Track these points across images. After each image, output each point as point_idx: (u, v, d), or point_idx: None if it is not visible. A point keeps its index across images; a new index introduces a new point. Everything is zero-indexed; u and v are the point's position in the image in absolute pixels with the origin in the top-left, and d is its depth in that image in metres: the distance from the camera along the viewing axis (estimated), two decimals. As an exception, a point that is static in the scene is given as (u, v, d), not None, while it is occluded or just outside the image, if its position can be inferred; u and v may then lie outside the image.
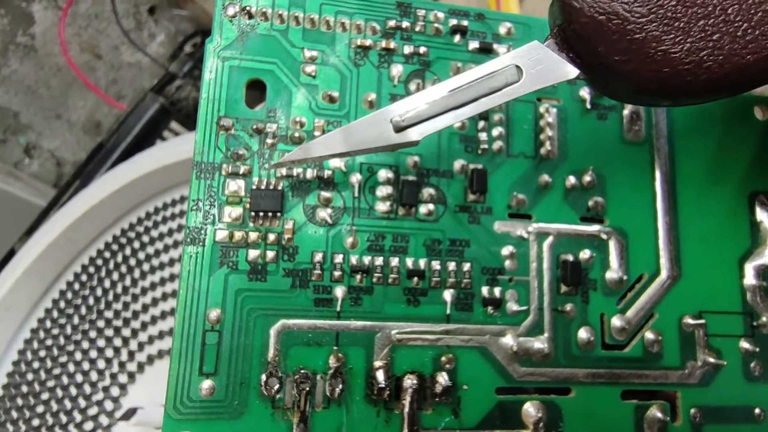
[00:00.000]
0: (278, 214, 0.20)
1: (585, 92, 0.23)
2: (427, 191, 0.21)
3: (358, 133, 0.18)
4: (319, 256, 0.20)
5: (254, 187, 0.20)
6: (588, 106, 0.23)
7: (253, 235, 0.19)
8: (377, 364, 0.19)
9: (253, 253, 0.19)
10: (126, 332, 0.39)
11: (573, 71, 0.17)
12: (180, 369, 0.18)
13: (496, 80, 0.18)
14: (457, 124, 0.21)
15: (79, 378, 0.39)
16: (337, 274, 0.20)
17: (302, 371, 0.19)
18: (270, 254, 0.19)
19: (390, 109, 0.18)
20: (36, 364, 0.40)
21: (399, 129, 0.17)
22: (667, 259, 0.22)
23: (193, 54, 0.61)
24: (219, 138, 0.20)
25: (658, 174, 0.23)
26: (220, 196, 0.19)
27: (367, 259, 0.20)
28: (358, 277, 0.20)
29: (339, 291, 0.19)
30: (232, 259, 0.19)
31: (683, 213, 0.22)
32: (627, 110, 0.23)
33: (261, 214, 0.19)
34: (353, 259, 0.20)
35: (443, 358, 0.20)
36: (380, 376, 0.19)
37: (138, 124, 0.53)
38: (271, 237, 0.19)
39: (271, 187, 0.20)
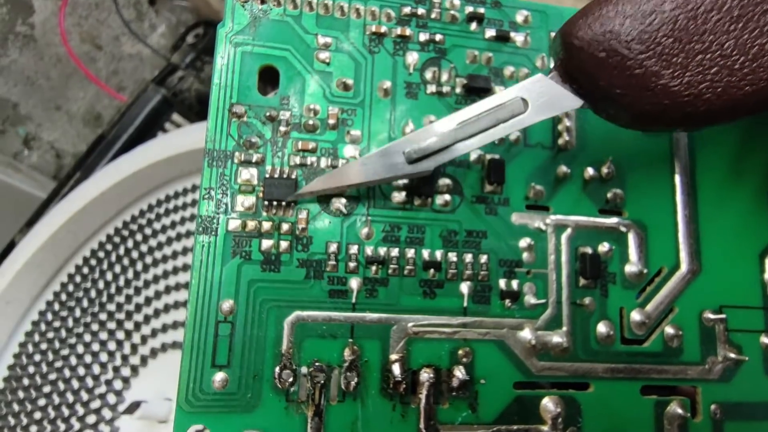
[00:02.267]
0: (292, 203, 0.19)
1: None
2: (444, 182, 0.20)
3: (372, 165, 0.18)
4: (333, 247, 0.19)
5: (267, 175, 0.19)
6: None
7: (266, 225, 0.19)
8: (393, 357, 0.19)
9: (266, 243, 0.19)
10: (129, 325, 0.39)
11: (577, 102, 0.18)
12: (192, 361, 0.18)
13: (503, 112, 0.18)
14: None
15: (81, 371, 0.38)
16: (352, 265, 0.19)
17: (317, 364, 0.18)
18: (284, 244, 0.19)
19: (402, 141, 0.19)
20: (38, 357, 0.39)
21: (412, 161, 0.18)
22: (686, 252, 0.21)
23: (194, 45, 0.60)
24: (231, 125, 0.19)
25: (677, 165, 0.22)
26: (232, 184, 0.19)
27: (382, 250, 0.19)
28: (374, 268, 0.19)
29: (354, 282, 0.19)
30: (245, 249, 0.19)
31: (703, 206, 0.22)
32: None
33: (274, 203, 0.19)
34: (368, 250, 0.19)
35: (460, 352, 0.19)
36: (396, 369, 0.18)
37: (139, 116, 0.52)
38: (285, 227, 0.19)
39: (285, 175, 0.19)
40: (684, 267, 0.21)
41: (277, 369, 0.18)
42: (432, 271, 0.20)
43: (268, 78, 0.20)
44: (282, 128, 0.20)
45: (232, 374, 0.18)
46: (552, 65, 0.19)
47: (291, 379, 0.18)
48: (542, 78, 0.18)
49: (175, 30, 0.68)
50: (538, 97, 0.18)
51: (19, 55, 0.64)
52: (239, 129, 0.19)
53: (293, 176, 0.19)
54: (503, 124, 0.18)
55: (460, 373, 0.19)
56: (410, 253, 0.20)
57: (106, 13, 0.68)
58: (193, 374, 0.18)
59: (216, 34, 0.20)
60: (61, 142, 0.69)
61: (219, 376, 0.18)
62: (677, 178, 0.22)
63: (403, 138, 0.19)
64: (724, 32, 0.16)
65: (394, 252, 0.20)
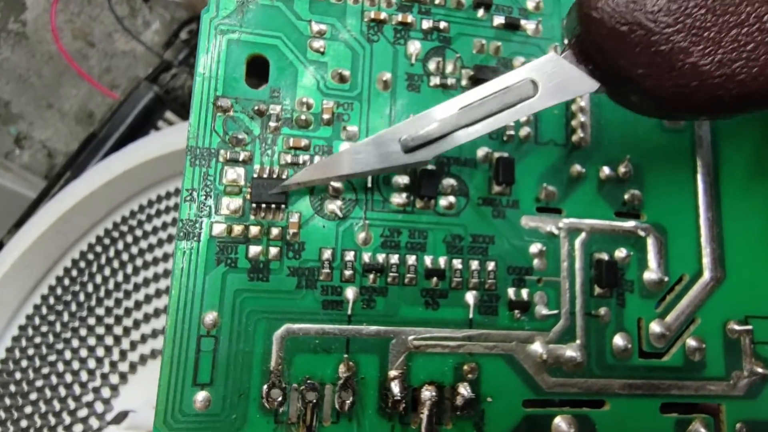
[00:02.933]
0: (282, 205, 0.18)
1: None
2: (448, 182, 0.19)
3: (365, 154, 0.17)
4: (327, 254, 0.18)
5: (255, 175, 0.18)
6: None
7: (254, 230, 0.18)
8: (392, 373, 0.17)
9: (254, 250, 0.17)
10: (118, 330, 0.38)
11: (592, 84, 0.16)
12: (172, 379, 0.16)
13: (510, 96, 0.17)
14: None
15: (68, 378, 0.37)
16: (347, 273, 0.18)
17: (308, 381, 0.17)
18: (273, 251, 0.18)
19: (398, 128, 0.17)
20: (24, 363, 0.38)
21: (408, 150, 0.17)
22: (710, 258, 0.20)
23: (188, 41, 0.59)
24: (216, 120, 0.18)
25: (699, 164, 0.21)
26: (217, 185, 0.18)
27: (381, 257, 0.18)
28: (371, 276, 0.18)
29: (350, 292, 0.18)
30: (230, 256, 0.17)
31: (727, 208, 0.21)
32: (665, 95, 0.21)
33: (263, 205, 0.18)
34: (366, 257, 0.18)
35: (465, 367, 0.18)
36: (395, 387, 0.17)
37: (131, 114, 0.52)
38: (275, 231, 0.18)
39: (275, 175, 0.18)
40: (707, 274, 0.20)
41: (265, 387, 0.17)
42: (435, 279, 0.18)
43: (257, 69, 0.19)
44: (272, 123, 0.18)
45: (216, 393, 0.16)
46: (566, 43, 0.17)
47: (280, 399, 0.17)
48: (554, 57, 0.17)
49: (169, 26, 0.67)
50: (549, 78, 0.17)
51: (11, 52, 0.63)
52: (225, 124, 0.18)
53: (284, 176, 0.18)
54: (510, 109, 0.17)
55: (465, 390, 0.17)
56: (411, 259, 0.18)
57: (99, 9, 0.67)
58: (173, 393, 0.16)
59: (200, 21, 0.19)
60: (53, 141, 0.67)
61: (201, 396, 0.16)
62: (699, 178, 0.21)
63: (399, 124, 0.17)
64: (764, 1, 0.15)
65: (394, 259, 0.18)
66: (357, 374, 0.17)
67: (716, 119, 0.17)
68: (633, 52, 0.15)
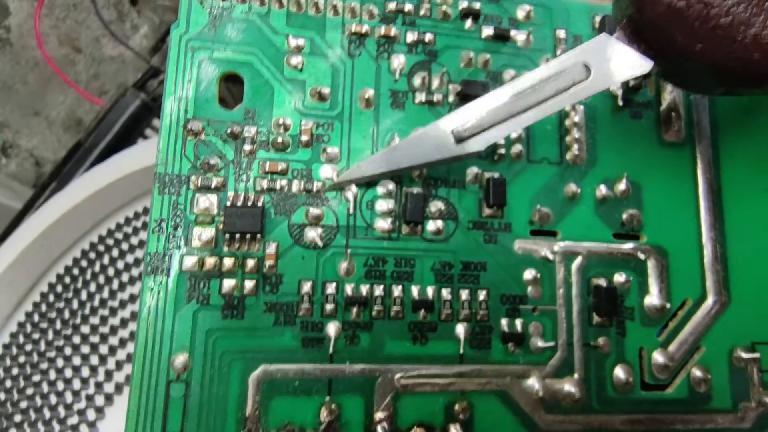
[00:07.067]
0: (258, 235, 0.17)
1: (616, 87, 0.20)
2: (436, 205, 0.18)
3: (416, 147, 0.17)
4: (307, 286, 0.17)
5: (229, 203, 0.17)
6: (620, 102, 0.20)
7: (228, 262, 0.16)
8: (378, 415, 0.16)
9: (228, 284, 0.16)
10: (104, 349, 0.37)
11: (647, 65, 0.16)
12: (139, 429, 0.15)
13: (562, 80, 0.17)
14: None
15: (53, 399, 0.37)
16: (329, 307, 0.17)
17: (288, 427, 0.16)
18: (249, 285, 0.16)
19: (450, 118, 0.17)
20: (8, 383, 0.37)
21: (460, 139, 0.17)
22: (713, 281, 0.19)
23: (177, 46, 0.58)
24: (187, 145, 0.17)
25: (701, 181, 0.20)
26: (187, 214, 0.17)
27: (364, 289, 0.17)
28: (355, 310, 0.17)
29: (331, 328, 0.17)
30: (202, 292, 0.16)
31: (731, 227, 0.20)
32: (664, 107, 0.20)
33: (237, 236, 0.17)
34: (348, 289, 0.17)
35: (457, 407, 0.17)
36: (382, 430, 0.16)
37: (118, 122, 0.51)
38: (250, 263, 0.17)
39: (250, 203, 0.17)
40: (710, 298, 0.19)
41: (241, 435, 0.15)
42: (423, 311, 0.17)
43: (231, 88, 0.18)
44: (246, 147, 0.17)
45: (187, 443, 0.15)
46: (616, 23, 0.17)
47: (258, 447, 0.15)
48: (606, 38, 0.17)
49: (158, 31, 0.66)
50: (602, 61, 0.17)
51: (-5, 59, 0.61)
52: (196, 149, 0.17)
53: (260, 204, 0.17)
54: (563, 94, 0.17)
55: (456, 431, 0.16)
56: (397, 290, 0.17)
57: (85, 14, 0.65)
58: (140, 444, 0.15)
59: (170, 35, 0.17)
60: (41, 149, 0.66)
61: (171, 446, 0.15)
62: (701, 195, 0.20)
63: (451, 114, 0.17)
64: None
65: (379, 290, 0.17)
66: (340, 418, 0.16)
67: None
68: (692, 27, 0.15)
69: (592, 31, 0.20)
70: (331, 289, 0.17)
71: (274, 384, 0.16)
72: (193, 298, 0.16)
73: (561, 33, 0.20)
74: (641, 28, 0.16)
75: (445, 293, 0.17)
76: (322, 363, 0.16)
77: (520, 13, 0.20)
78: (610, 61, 0.16)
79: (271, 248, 0.17)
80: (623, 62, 0.16)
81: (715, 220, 0.20)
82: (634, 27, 0.16)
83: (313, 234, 0.17)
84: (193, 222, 0.16)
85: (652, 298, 0.19)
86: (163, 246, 0.16)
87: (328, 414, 0.16)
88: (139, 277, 0.38)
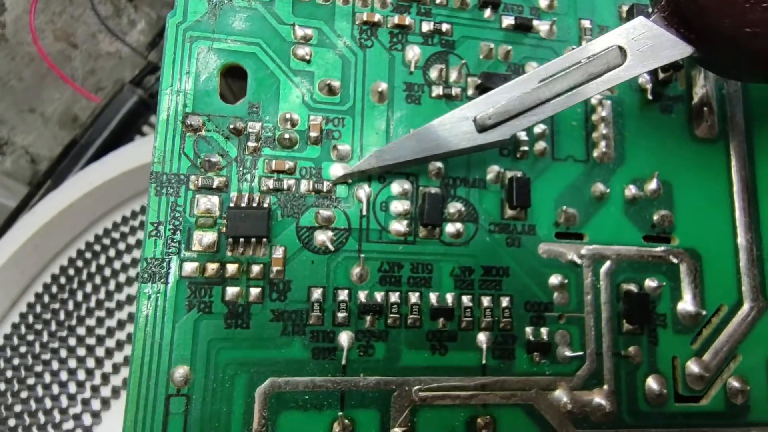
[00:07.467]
0: (264, 239, 0.16)
1: (645, 80, 0.19)
2: (455, 206, 0.17)
3: (437, 135, 0.16)
4: (317, 293, 0.16)
5: (232, 204, 0.16)
6: (649, 96, 0.19)
7: (231, 268, 0.16)
8: (395, 431, 0.15)
9: (231, 291, 0.15)
10: (100, 352, 0.37)
11: (686, 50, 0.15)
12: (135, 449, 0.14)
13: (596, 65, 0.16)
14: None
15: (48, 403, 0.36)
16: (341, 315, 0.16)
17: (297, 446, 0.15)
18: (254, 292, 0.16)
19: (474, 104, 0.16)
20: (2, 386, 0.37)
21: (484, 128, 0.16)
22: (750, 286, 0.18)
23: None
24: (186, 141, 0.16)
25: (735, 179, 0.19)
26: (187, 217, 0.16)
27: (379, 296, 0.16)
28: (369, 318, 0.16)
29: (344, 337, 0.16)
30: (204, 300, 0.15)
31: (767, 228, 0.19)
32: (696, 100, 0.19)
33: (241, 239, 0.16)
34: (362, 296, 0.16)
35: (479, 421, 0.16)
36: (399, 448, 0.15)
37: (115, 119, 0.51)
38: (255, 269, 0.16)
39: (255, 204, 0.16)
40: (747, 304, 0.18)
41: (247, 454, 0.15)
42: (442, 320, 0.16)
43: (231, 84, 0.17)
44: (251, 144, 0.16)
45: (189, 464, 0.14)
46: (653, 5, 0.16)
47: (265, 467, 0.14)
48: (643, 21, 0.16)
49: (156, 26, 0.65)
50: (638, 44, 0.16)
51: (-11, 55, 0.60)
52: (196, 146, 0.16)
53: (265, 205, 0.16)
54: (596, 79, 0.16)
55: (479, 449, 0.15)
56: (414, 297, 0.16)
57: (81, 9, 0.64)
58: (138, 465, 0.14)
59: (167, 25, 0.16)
60: (37, 146, 0.65)
61: (171, 467, 0.14)
62: (736, 195, 0.19)
63: (476, 99, 0.16)
64: None
65: (394, 297, 0.16)
66: (354, 434, 0.15)
67: None
68: (741, 10, 0.14)
69: (619, 20, 0.19)
70: (343, 296, 0.16)
71: (283, 398, 0.15)
72: (193, 307, 0.15)
73: (586, 23, 0.19)
74: (683, 11, 0.15)
75: (466, 300, 0.17)
76: (334, 375, 0.16)
77: (543, 2, 0.19)
78: (647, 46, 0.16)
79: (278, 253, 0.16)
80: (661, 46, 0.16)
81: (751, 220, 0.19)
82: (674, 10, 0.15)
83: (323, 237, 0.16)
84: (193, 225, 0.16)
85: (686, 304, 0.18)
86: (161, 251, 0.15)
87: (341, 430, 0.15)
88: (137, 278, 0.38)
